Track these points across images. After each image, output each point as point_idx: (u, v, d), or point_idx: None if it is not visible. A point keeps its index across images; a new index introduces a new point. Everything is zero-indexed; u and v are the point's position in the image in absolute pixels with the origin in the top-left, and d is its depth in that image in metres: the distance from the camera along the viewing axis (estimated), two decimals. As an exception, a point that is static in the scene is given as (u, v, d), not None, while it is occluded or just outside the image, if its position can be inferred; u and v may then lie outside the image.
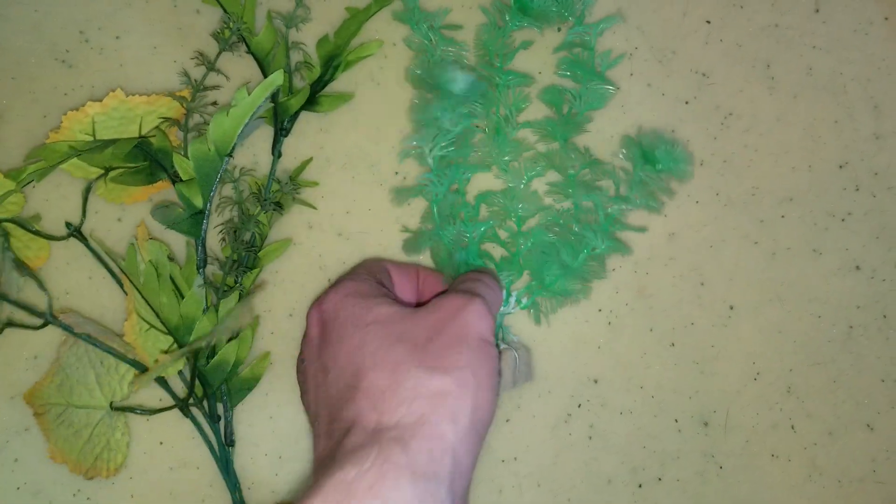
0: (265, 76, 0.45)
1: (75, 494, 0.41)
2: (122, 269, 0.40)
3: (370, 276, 0.40)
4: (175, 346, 0.40)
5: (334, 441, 0.32)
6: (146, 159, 0.41)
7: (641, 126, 0.46)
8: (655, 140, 0.44)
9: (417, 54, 0.45)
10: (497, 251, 0.44)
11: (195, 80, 0.42)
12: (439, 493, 0.30)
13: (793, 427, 0.45)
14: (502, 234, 0.44)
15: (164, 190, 0.44)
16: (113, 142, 0.39)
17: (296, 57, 0.45)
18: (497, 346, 0.42)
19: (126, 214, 0.44)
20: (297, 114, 0.45)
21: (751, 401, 0.45)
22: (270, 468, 0.42)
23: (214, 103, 0.45)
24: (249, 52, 0.44)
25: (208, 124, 0.41)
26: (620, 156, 0.45)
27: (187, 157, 0.39)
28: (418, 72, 0.44)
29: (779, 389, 0.45)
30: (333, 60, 0.45)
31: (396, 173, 0.46)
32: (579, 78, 0.45)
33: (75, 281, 0.43)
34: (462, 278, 0.40)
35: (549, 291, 0.43)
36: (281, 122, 0.44)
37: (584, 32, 0.45)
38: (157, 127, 0.41)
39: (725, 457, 0.44)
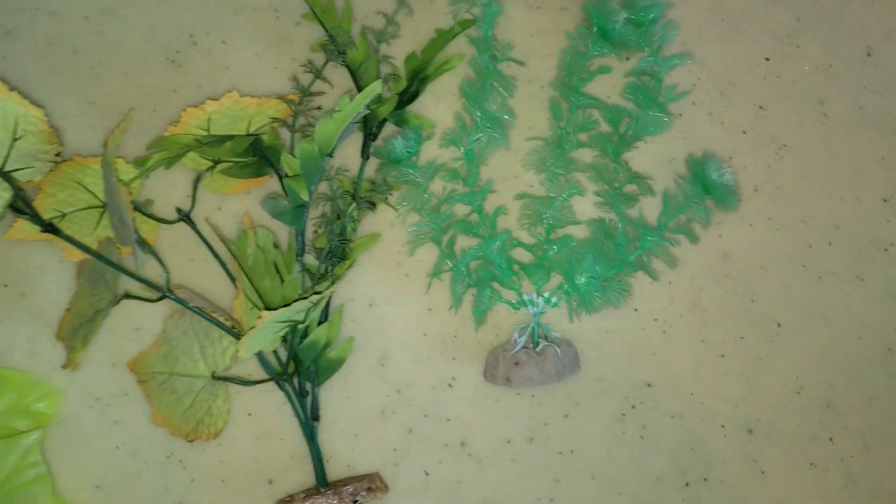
0: (356, 85, 0.49)
1: (168, 457, 0.44)
2: (231, 253, 0.44)
3: None
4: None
5: None
6: (255, 155, 0.45)
7: (704, 150, 0.50)
8: (713, 167, 0.48)
9: (474, 75, 0.50)
10: (524, 255, 0.48)
11: (303, 86, 0.46)
12: None
13: (831, 439, 0.48)
14: (529, 240, 0.48)
15: (261, 184, 0.47)
16: (230, 137, 0.43)
17: (384, 69, 0.49)
18: (536, 343, 0.46)
19: (225, 204, 0.48)
20: (384, 120, 0.49)
21: (793, 412, 0.48)
22: (347, 444, 0.45)
23: (319, 108, 0.49)
24: (344, 63, 0.48)
25: (312, 126, 0.45)
26: (677, 176, 0.49)
27: (293, 155, 0.43)
28: (467, 89, 0.49)
29: (819, 403, 0.48)
30: (419, 74, 0.50)
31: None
32: (641, 103, 0.49)
33: (177, 262, 0.47)
34: None
35: (579, 295, 0.46)
36: (370, 127, 0.48)
37: (655, 64, 0.49)
38: (269, 125, 0.45)
39: (767, 462, 0.47)
